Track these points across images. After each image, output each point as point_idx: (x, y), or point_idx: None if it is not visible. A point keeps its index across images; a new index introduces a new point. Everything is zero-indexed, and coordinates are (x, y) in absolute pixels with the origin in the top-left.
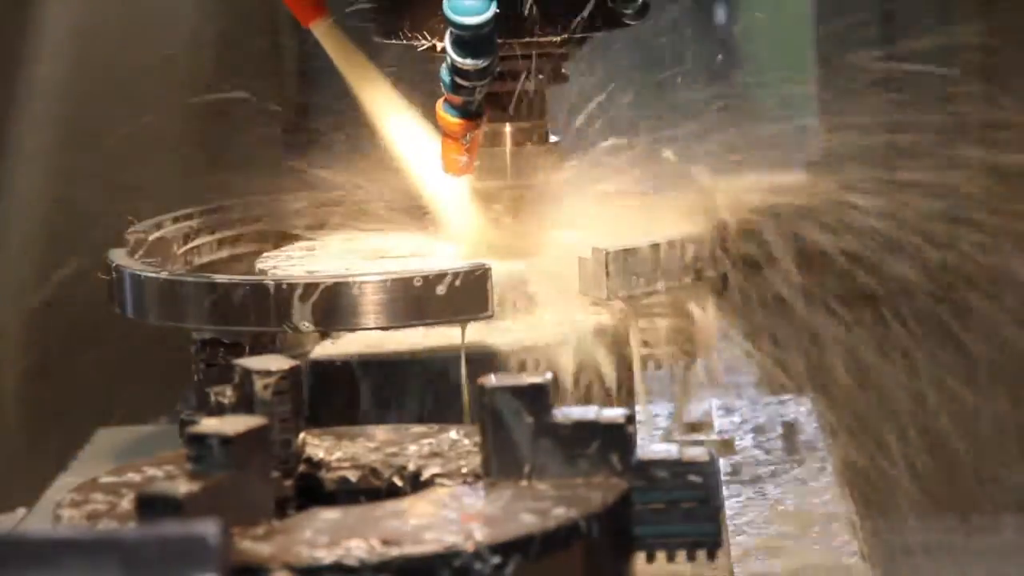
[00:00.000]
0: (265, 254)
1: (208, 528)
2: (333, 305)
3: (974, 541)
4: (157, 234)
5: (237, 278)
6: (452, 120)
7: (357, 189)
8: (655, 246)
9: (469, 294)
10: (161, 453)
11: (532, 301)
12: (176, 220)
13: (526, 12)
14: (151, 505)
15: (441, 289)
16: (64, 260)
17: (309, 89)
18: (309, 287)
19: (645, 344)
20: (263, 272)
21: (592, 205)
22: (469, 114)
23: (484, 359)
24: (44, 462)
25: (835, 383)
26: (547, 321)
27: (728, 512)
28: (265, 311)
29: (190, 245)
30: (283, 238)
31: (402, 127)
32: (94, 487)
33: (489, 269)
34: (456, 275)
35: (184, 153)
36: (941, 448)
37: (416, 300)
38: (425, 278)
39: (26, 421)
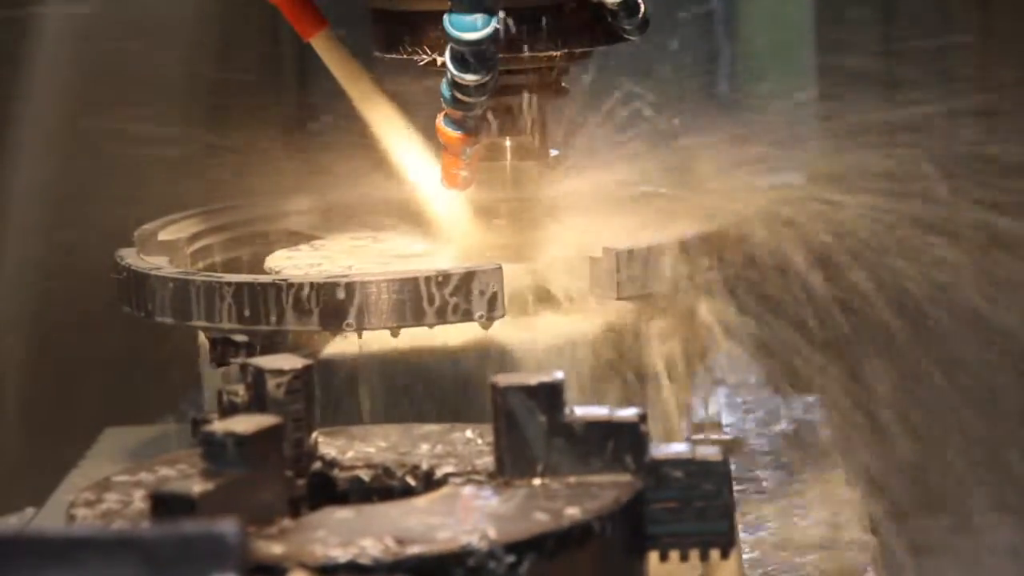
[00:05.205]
0: (273, 254)
1: (228, 527)
2: (344, 305)
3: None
4: (164, 233)
5: (250, 277)
6: (452, 134)
7: None
8: (664, 246)
9: (480, 294)
10: (171, 452)
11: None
12: (184, 219)
13: (526, 28)
14: (165, 504)
15: (452, 289)
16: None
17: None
18: (321, 287)
19: (654, 343)
20: (273, 271)
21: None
22: (469, 129)
23: (498, 358)
24: (45, 463)
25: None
26: (560, 321)
27: (737, 512)
28: (279, 311)
29: (198, 245)
30: (290, 238)
31: (403, 141)
32: (107, 486)
33: (500, 269)
34: (467, 275)
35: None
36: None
37: (427, 300)
38: (436, 278)
39: (27, 421)
